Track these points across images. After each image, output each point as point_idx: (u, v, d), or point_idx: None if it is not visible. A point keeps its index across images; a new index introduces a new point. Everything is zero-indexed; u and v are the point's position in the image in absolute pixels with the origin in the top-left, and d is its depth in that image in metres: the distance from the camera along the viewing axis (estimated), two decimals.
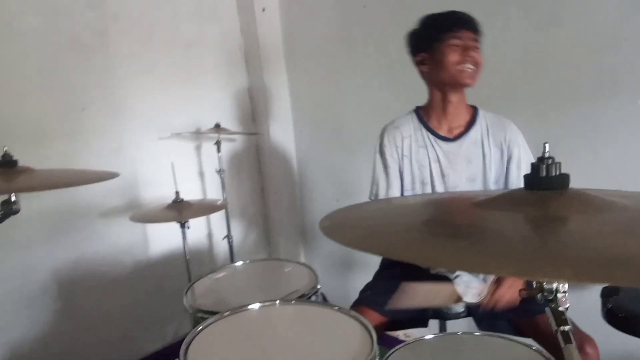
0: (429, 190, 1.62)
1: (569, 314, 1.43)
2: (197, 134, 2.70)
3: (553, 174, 0.68)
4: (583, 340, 1.36)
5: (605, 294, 1.56)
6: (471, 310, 1.61)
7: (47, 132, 2.21)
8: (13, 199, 1.26)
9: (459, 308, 1.63)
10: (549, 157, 0.68)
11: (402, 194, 1.66)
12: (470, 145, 1.59)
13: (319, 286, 1.71)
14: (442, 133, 1.61)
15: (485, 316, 1.51)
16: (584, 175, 1.84)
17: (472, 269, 0.49)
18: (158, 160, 2.45)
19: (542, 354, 1.09)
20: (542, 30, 1.91)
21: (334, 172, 2.86)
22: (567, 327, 0.62)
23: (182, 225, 2.15)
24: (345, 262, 2.85)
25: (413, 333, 2.09)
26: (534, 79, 1.98)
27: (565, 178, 0.69)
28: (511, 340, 1.20)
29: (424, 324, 1.67)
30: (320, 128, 2.90)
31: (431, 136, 1.61)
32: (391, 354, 1.12)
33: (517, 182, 1.61)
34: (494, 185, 1.59)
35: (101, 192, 2.30)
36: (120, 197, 2.45)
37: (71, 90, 2.29)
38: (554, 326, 0.64)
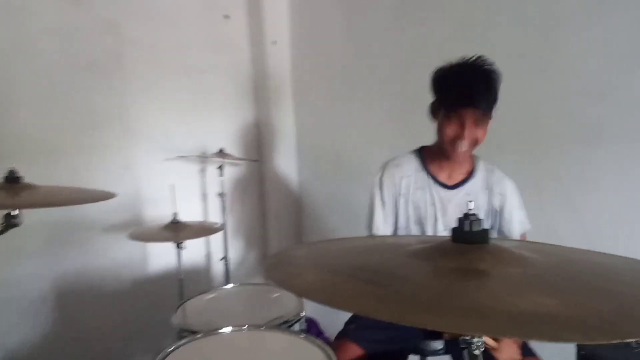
0: (420, 231, 1.65)
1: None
2: (202, 158, 2.80)
3: (475, 229, 0.74)
4: None
5: None
6: (449, 348, 1.64)
7: (59, 149, 2.36)
8: (15, 212, 1.35)
9: (438, 345, 1.66)
10: (473, 214, 0.75)
11: (395, 231, 1.68)
12: (465, 195, 1.62)
13: (302, 313, 1.75)
14: (442, 180, 1.64)
15: (461, 355, 1.54)
16: (573, 222, 1.90)
17: (385, 317, 0.54)
18: (162, 181, 2.56)
19: None
20: (532, 76, 1.97)
21: (334, 201, 2.93)
22: None
23: (178, 246, 2.22)
24: None
25: None
26: (523, 125, 2.03)
27: (485, 233, 0.75)
28: None
29: (403, 359, 1.70)
30: (323, 159, 2.98)
31: (431, 180, 1.63)
32: None
33: (509, 231, 1.67)
34: None
35: (104, 208, 2.38)
36: (123, 214, 2.55)
37: (84, 110, 2.43)
38: None
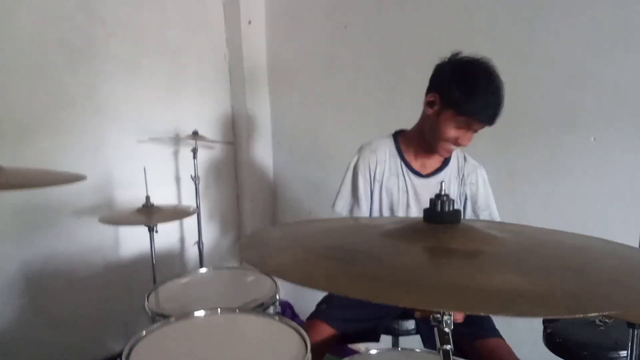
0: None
1: (513, 339, 1.50)
2: (175, 140, 2.76)
3: (447, 209, 0.75)
4: None
5: (546, 320, 1.63)
6: (419, 328, 1.68)
7: (28, 130, 2.28)
8: None
9: (410, 325, 1.70)
10: (445, 195, 0.76)
11: (370, 215, 1.70)
12: (437, 183, 1.64)
13: (278, 296, 1.75)
14: (416, 167, 1.65)
15: (431, 335, 1.57)
16: (543, 205, 1.95)
17: (358, 295, 0.55)
18: (135, 163, 2.50)
19: None
20: (508, 62, 1.99)
21: (309, 185, 2.93)
22: (448, 347, 0.69)
23: (151, 229, 2.19)
24: None
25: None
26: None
27: (457, 213, 0.77)
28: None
29: (376, 338, 1.73)
30: (299, 143, 2.97)
31: (405, 167, 1.65)
32: None
33: (483, 218, 1.70)
34: None
35: (74, 191, 2.35)
36: (94, 197, 2.50)
37: (55, 90, 2.36)
38: (438, 344, 0.71)
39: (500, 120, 2.03)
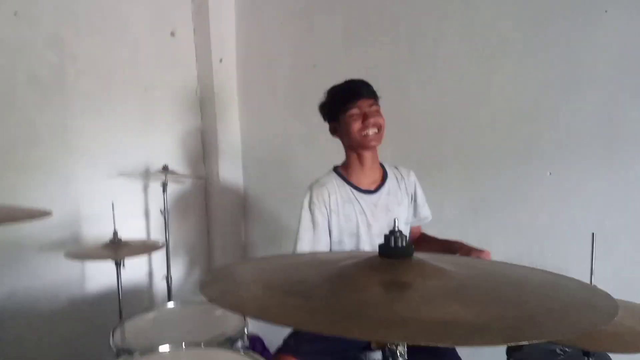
0: (355, 241, 1.72)
1: None
2: (145, 175, 2.77)
3: (400, 245, 0.79)
4: None
5: (510, 349, 1.66)
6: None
7: None
8: None
9: (377, 356, 1.71)
10: (398, 231, 0.80)
11: (330, 248, 1.74)
12: (387, 195, 1.76)
13: (246, 330, 1.75)
14: (364, 187, 1.75)
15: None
16: (504, 234, 2.01)
17: (315, 329, 0.57)
18: (103, 198, 2.47)
19: None
20: (471, 97, 2.09)
21: (282, 213, 2.94)
22: None
23: (118, 264, 2.17)
24: None
25: None
26: (463, 144, 2.14)
27: (409, 248, 0.81)
28: None
29: None
30: (270, 177, 3.01)
31: (354, 191, 1.73)
32: None
33: (424, 214, 1.88)
34: (404, 225, 1.80)
35: (41, 227, 2.29)
36: (61, 232, 2.48)
37: (24, 125, 2.36)
38: None
39: (464, 154, 2.13)
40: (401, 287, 0.72)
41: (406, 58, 2.28)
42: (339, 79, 2.51)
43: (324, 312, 0.64)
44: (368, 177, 1.76)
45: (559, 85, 1.85)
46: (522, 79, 1.94)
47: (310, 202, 1.72)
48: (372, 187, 1.76)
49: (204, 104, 3.07)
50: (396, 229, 0.80)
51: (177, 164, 2.89)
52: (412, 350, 0.79)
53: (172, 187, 2.83)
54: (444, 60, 2.15)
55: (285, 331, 1.77)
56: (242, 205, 3.17)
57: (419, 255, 0.81)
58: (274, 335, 2.44)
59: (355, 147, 1.72)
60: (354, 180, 1.75)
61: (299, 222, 1.74)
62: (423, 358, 1.45)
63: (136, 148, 2.77)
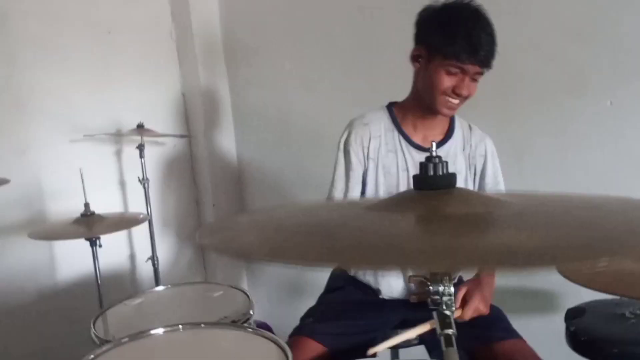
0: None
1: (531, 341, 1.54)
2: (117, 137, 2.75)
3: (440, 173, 0.78)
4: None
5: (570, 316, 1.67)
6: (423, 339, 1.71)
7: None
8: None
9: (410, 334, 1.72)
10: (437, 156, 0.78)
11: None
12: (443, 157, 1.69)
13: (252, 312, 1.76)
14: (417, 140, 1.68)
15: (437, 345, 1.61)
16: (556, 183, 2.00)
17: (341, 265, 0.57)
18: (68, 167, 2.47)
19: None
20: (503, 19, 2.04)
21: (284, 178, 2.94)
22: (450, 331, 0.72)
23: (93, 243, 2.18)
24: (295, 287, 2.92)
25: None
26: (499, 73, 2.10)
27: (452, 177, 0.79)
28: None
29: (371, 354, 1.75)
30: (266, 131, 3.00)
31: (404, 141, 1.67)
32: None
33: None
34: None
35: None
36: (20, 209, 2.48)
37: None
38: (438, 329, 0.73)
39: (500, 90, 2.09)
40: (443, 219, 0.71)
41: None
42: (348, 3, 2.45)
43: (352, 248, 0.63)
44: (427, 129, 1.69)
45: None
46: None
47: (347, 143, 1.69)
48: (428, 144, 1.69)
49: (181, 48, 3.04)
50: (434, 153, 0.78)
51: (154, 123, 2.87)
52: (460, 324, 0.78)
53: (150, 151, 2.81)
54: None
55: (296, 317, 1.79)
56: (237, 167, 3.17)
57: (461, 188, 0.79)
58: (284, 320, 2.46)
59: (425, 100, 1.62)
60: (407, 129, 1.68)
61: (335, 164, 1.72)
62: (472, 332, 1.47)
63: (102, 104, 2.75)
